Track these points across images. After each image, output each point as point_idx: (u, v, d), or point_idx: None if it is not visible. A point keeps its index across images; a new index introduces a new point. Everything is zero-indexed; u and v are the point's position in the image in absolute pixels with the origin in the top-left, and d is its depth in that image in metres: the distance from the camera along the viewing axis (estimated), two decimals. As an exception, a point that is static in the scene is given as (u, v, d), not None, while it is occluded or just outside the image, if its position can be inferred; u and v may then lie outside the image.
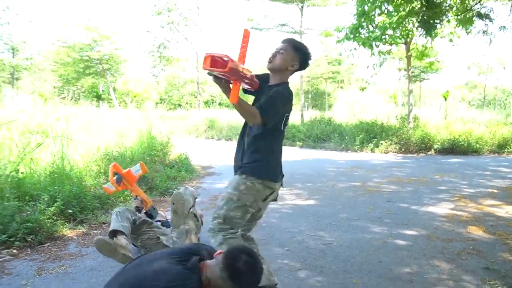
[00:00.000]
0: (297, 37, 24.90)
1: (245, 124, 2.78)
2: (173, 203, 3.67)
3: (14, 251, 3.77)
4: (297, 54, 2.72)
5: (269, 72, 2.81)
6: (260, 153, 2.66)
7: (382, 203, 5.94)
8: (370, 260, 3.65)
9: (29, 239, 3.93)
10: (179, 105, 42.31)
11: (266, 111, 2.49)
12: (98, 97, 28.33)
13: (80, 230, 4.41)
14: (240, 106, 2.40)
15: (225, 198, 2.67)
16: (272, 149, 2.73)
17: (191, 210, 3.72)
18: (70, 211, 4.57)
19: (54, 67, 37.71)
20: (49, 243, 4.04)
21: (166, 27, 32.53)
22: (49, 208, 4.27)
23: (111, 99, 32.77)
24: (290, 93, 2.69)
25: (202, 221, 4.10)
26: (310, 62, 2.84)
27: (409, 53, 15.06)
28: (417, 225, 4.79)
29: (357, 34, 13.23)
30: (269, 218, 5.14)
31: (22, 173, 4.87)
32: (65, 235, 4.27)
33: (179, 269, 1.93)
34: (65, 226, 4.40)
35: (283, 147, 2.89)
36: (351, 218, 5.09)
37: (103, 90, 35.52)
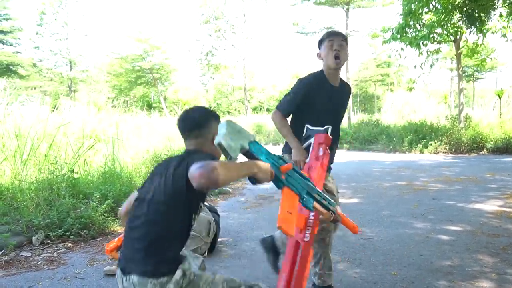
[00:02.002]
0: (343, 40, 24.74)
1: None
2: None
3: (70, 244, 4.04)
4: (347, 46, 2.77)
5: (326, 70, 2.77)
6: None
7: (427, 200, 5.85)
8: (410, 254, 3.64)
9: (82, 233, 4.20)
10: (228, 112, 42.91)
11: None
12: (149, 106, 29.29)
13: (130, 226, 4.64)
14: None
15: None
16: None
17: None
18: (120, 208, 4.82)
19: (108, 78, 39.32)
20: (100, 238, 4.29)
21: (213, 35, 33.27)
22: (101, 206, 4.52)
23: (162, 108, 33.75)
24: None
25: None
26: None
27: (459, 51, 14.65)
28: (462, 221, 4.69)
29: (404, 34, 13.03)
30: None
31: (76, 173, 5.19)
32: (115, 230, 4.52)
33: None
34: (115, 222, 4.65)
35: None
36: (393, 215, 5.05)
37: (154, 99, 36.65)
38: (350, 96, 2.82)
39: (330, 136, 2.63)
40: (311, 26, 26.31)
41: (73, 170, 5.07)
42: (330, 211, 1.92)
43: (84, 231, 4.22)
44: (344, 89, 2.87)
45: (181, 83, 42.46)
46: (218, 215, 4.27)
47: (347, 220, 2.04)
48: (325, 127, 2.76)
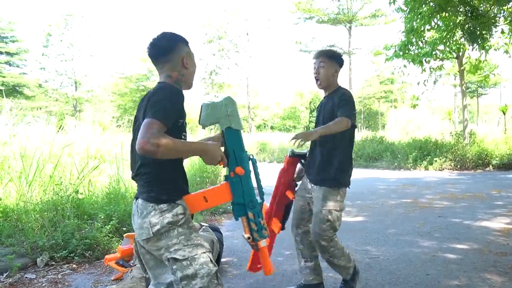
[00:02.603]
0: (346, 58, 24.92)
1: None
2: None
3: (74, 265, 4.03)
4: (333, 61, 2.94)
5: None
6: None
7: (433, 218, 5.81)
8: (417, 273, 3.60)
9: (87, 254, 4.18)
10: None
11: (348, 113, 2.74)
12: (154, 125, 29.35)
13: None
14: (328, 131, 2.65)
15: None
16: None
17: None
18: (124, 229, 4.81)
19: (112, 98, 39.62)
20: (105, 259, 4.28)
21: (217, 54, 33.60)
22: (106, 226, 4.51)
23: (167, 127, 33.84)
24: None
25: None
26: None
27: (462, 68, 14.69)
28: (469, 239, 4.66)
29: (407, 51, 13.09)
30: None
31: (81, 193, 5.19)
32: (120, 251, 4.50)
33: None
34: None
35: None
36: (399, 233, 5.02)
37: (159, 118, 36.82)
38: (342, 99, 2.82)
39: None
40: (314, 44, 26.59)
41: (78, 191, 5.08)
42: (251, 237, 1.96)
43: (89, 252, 4.21)
44: (332, 97, 2.94)
45: (185, 101, 42.66)
46: (221, 234, 4.26)
47: (264, 258, 2.09)
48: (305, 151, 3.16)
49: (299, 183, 3.23)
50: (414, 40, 12.48)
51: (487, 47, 11.56)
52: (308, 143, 2.95)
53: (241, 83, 36.77)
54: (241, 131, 1.99)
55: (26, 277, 3.69)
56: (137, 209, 1.89)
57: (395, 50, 13.36)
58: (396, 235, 4.97)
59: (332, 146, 2.88)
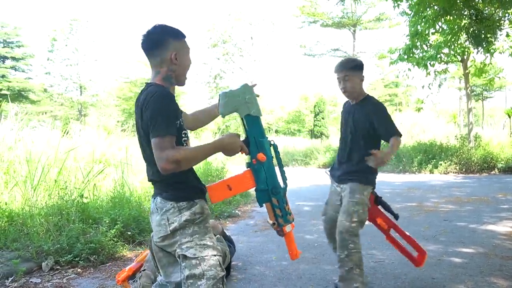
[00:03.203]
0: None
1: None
2: None
3: (79, 269, 4.04)
4: (356, 70, 3.03)
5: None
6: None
7: (438, 222, 5.79)
8: (422, 277, 3.59)
9: (92, 259, 4.19)
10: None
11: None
12: (159, 129, 29.39)
13: (139, 251, 4.63)
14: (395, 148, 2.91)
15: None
16: None
17: None
18: (129, 233, 4.83)
19: (117, 102, 39.74)
20: (110, 263, 4.29)
21: (221, 58, 33.70)
22: (110, 230, 4.52)
23: (171, 131, 33.89)
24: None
25: None
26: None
27: (467, 71, 14.66)
28: (475, 243, 4.63)
29: (411, 55, 13.07)
30: (321, 238, 5.15)
31: (86, 198, 5.21)
32: (124, 255, 4.52)
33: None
34: (125, 247, 4.65)
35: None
36: (404, 237, 4.99)
37: (163, 122, 36.88)
38: (382, 116, 2.99)
39: None
40: (318, 48, 26.62)
41: (82, 195, 5.09)
42: (276, 222, 1.97)
43: (94, 256, 4.22)
44: (363, 106, 3.04)
45: (190, 106, 42.70)
46: (234, 244, 4.27)
47: (290, 243, 2.07)
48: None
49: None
50: (418, 43, 12.47)
51: (492, 50, 11.53)
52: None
53: (246, 87, 36.76)
54: (261, 117, 2.00)
55: (31, 282, 3.71)
56: (156, 207, 1.93)
57: (400, 54, 13.36)
58: (401, 239, 4.93)
59: (363, 152, 2.96)
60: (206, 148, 1.87)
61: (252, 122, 1.95)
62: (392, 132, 2.92)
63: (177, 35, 2.01)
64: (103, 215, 4.86)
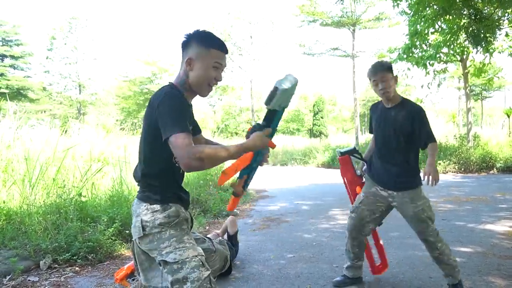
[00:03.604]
0: (349, 61, 24.91)
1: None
2: None
3: (77, 268, 4.04)
4: (390, 71, 3.06)
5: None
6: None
7: (437, 221, 5.69)
8: (420, 276, 3.59)
9: (90, 257, 4.19)
10: (236, 133, 43.03)
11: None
12: (158, 128, 29.41)
13: (137, 250, 4.63)
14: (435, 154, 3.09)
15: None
16: None
17: None
18: (127, 231, 4.82)
19: (116, 101, 39.75)
20: (108, 262, 4.29)
21: (220, 57, 33.54)
22: (108, 229, 4.52)
23: (171, 129, 33.89)
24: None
25: None
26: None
27: (466, 71, 14.67)
28: (473, 242, 4.64)
29: (410, 54, 13.06)
30: (320, 237, 5.18)
31: (84, 196, 5.20)
32: (122, 254, 4.52)
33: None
34: (122, 246, 4.65)
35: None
36: (403, 236, 5.00)
37: (162, 121, 36.87)
38: (424, 121, 3.04)
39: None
40: (317, 47, 26.49)
41: (81, 194, 5.09)
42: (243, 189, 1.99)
43: (92, 255, 4.22)
44: (402, 108, 3.07)
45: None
46: (237, 250, 4.27)
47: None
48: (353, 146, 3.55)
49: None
50: (418, 43, 12.47)
51: (491, 50, 11.53)
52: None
53: (245, 86, 36.77)
54: None
55: (29, 280, 3.70)
56: (133, 208, 1.99)
57: (399, 53, 13.36)
58: (400, 238, 4.95)
59: (406, 154, 3.09)
60: (233, 149, 1.77)
61: (280, 114, 1.96)
62: (432, 137, 3.05)
63: (204, 42, 1.93)
64: (101, 213, 4.85)
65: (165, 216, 1.86)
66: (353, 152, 3.42)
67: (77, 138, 9.74)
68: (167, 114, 1.73)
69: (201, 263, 1.85)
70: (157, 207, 1.88)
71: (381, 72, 3.01)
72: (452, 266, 3.10)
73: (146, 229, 1.86)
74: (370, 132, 3.40)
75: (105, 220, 4.63)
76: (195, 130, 2.14)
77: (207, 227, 5.86)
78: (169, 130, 1.68)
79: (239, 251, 4.48)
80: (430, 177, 2.94)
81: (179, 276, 1.79)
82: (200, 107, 43.55)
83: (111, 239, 4.50)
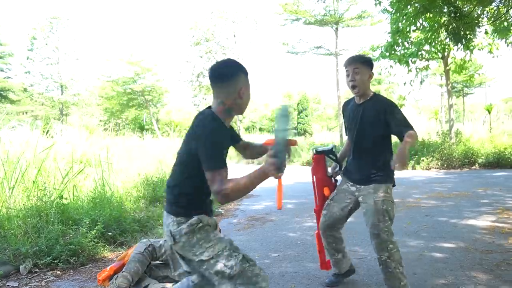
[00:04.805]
0: (333, 59, 24.99)
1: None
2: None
3: (58, 272, 3.97)
4: (366, 65, 2.99)
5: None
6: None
7: (420, 217, 5.83)
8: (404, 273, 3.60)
9: (71, 260, 4.12)
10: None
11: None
12: (142, 128, 29.24)
13: (120, 252, 4.57)
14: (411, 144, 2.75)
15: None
16: None
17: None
18: (110, 233, 4.76)
19: (99, 101, 39.37)
20: (90, 264, 4.22)
21: (204, 57, 33.47)
22: (91, 231, 4.45)
23: (155, 130, 33.71)
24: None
25: None
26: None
27: (447, 68, 14.82)
28: (455, 237, 4.67)
29: (393, 52, 13.13)
30: (304, 235, 5.17)
31: (65, 199, 5.13)
32: (105, 256, 4.45)
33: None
34: (105, 248, 4.58)
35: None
36: (387, 233, 5.02)
37: (146, 121, 36.62)
38: (396, 112, 2.92)
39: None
40: (300, 45, 26.52)
41: (62, 196, 5.01)
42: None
43: (74, 258, 4.14)
44: (373, 104, 2.99)
45: (173, 104, 42.60)
46: None
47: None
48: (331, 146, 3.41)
49: (339, 178, 3.38)
50: (400, 40, 12.53)
51: (471, 47, 11.65)
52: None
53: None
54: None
55: (8, 285, 3.62)
56: (163, 218, 2.17)
57: (382, 51, 13.42)
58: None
59: (378, 151, 3.03)
60: (253, 178, 1.92)
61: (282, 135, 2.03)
62: (409, 125, 2.84)
63: (246, 72, 2.15)
64: (83, 216, 4.78)
65: (188, 225, 2.06)
66: (329, 152, 3.36)
67: (59, 140, 9.61)
68: (209, 149, 1.94)
69: (231, 250, 2.06)
70: (181, 219, 2.07)
71: (355, 63, 2.94)
72: (399, 279, 2.87)
73: (175, 238, 2.08)
74: (347, 133, 3.32)
75: (87, 222, 4.56)
76: (235, 139, 2.42)
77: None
78: (208, 164, 1.92)
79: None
80: (397, 161, 2.59)
81: (218, 268, 2.02)
82: (184, 106, 43.30)
83: (94, 241, 4.43)
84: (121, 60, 33.56)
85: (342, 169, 3.34)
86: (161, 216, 5.90)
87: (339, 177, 3.39)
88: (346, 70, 2.99)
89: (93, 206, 5.23)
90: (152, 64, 34.31)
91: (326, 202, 3.27)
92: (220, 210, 7.15)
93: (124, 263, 3.33)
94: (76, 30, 61.39)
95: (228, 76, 2.09)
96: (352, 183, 3.14)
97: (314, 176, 3.38)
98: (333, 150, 3.38)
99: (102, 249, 4.51)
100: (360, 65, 2.94)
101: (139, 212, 5.77)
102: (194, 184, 2.09)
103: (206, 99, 39.93)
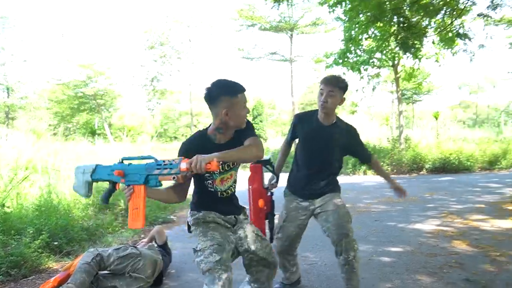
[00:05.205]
0: (287, 65, 25.30)
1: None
2: None
3: (-2, 285, 3.77)
4: (342, 91, 3.05)
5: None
6: None
7: (370, 222, 5.97)
8: (353, 278, 3.66)
9: (13, 272, 3.91)
10: (175, 137, 42.40)
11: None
12: (93, 133, 28.44)
13: (66, 262, 4.41)
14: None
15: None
16: None
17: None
18: (56, 243, 4.58)
19: (49, 105, 38.01)
20: (33, 276, 4.03)
21: (159, 61, 33.05)
22: (35, 241, 4.26)
23: (107, 134, 32.90)
24: None
25: None
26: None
27: (397, 75, 15.30)
28: (403, 242, 4.82)
29: (346, 59, 13.42)
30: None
31: (8, 207, 4.90)
32: (50, 267, 4.27)
33: None
34: (50, 258, 4.40)
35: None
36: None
37: (98, 126, 35.67)
38: (359, 140, 3.28)
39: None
40: (256, 51, 26.70)
41: (4, 204, 4.78)
42: (173, 175, 2.02)
43: (15, 270, 3.93)
44: (338, 127, 3.13)
45: (126, 108, 41.61)
46: (170, 255, 4.19)
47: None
48: (268, 156, 3.37)
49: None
50: (352, 48, 12.84)
51: (419, 56, 12.08)
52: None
53: (184, 89, 36.41)
54: None
55: None
56: None
57: (335, 58, 13.68)
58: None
59: (335, 167, 3.23)
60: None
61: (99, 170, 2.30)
62: (368, 153, 3.37)
63: (230, 92, 2.32)
64: (27, 225, 4.57)
65: (194, 219, 2.49)
66: (267, 163, 3.31)
67: (4, 144, 9.22)
68: None
69: (214, 250, 2.29)
70: (193, 212, 2.53)
71: (332, 86, 2.96)
72: (358, 280, 2.99)
73: (190, 228, 2.53)
74: (291, 140, 3.37)
75: (31, 231, 4.37)
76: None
77: (142, 235, 5.69)
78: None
79: (175, 259, 4.40)
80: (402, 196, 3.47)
81: (198, 259, 2.31)
82: (138, 111, 42.50)
83: (38, 251, 4.25)
84: (71, 62, 32.59)
85: (285, 190, 3.34)
86: (110, 224, 5.77)
87: (274, 190, 3.38)
88: (321, 89, 3.02)
89: (38, 214, 5.01)
90: (105, 68, 33.44)
91: (279, 224, 3.23)
92: (172, 217, 7.11)
93: (70, 274, 3.22)
94: (24, 30, 59.14)
95: (211, 99, 2.33)
96: (302, 199, 3.15)
97: (250, 187, 3.29)
98: (270, 160, 3.34)
99: (46, 259, 4.33)
100: (337, 90, 2.98)
101: (88, 220, 5.59)
102: (199, 188, 2.51)
103: (160, 103, 39.44)
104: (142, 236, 5.68)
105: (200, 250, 2.33)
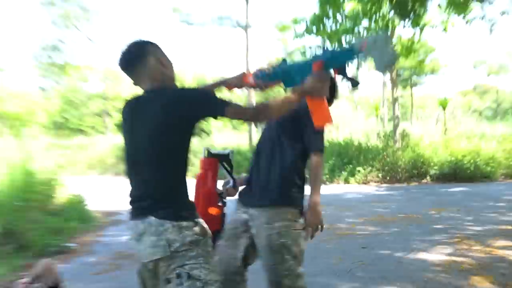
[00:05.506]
0: (242, 32, 25.17)
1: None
2: None
3: None
4: None
5: None
6: None
7: (355, 251, 5.91)
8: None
9: None
10: (80, 130, 41.59)
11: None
12: None
13: None
14: None
15: None
16: None
17: None
18: None
19: None
20: None
21: (59, 23, 32.22)
22: None
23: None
24: None
25: None
26: None
27: (392, 50, 15.46)
28: (401, 277, 4.77)
29: (321, 27, 13.44)
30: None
31: None
32: None
33: None
34: None
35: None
36: (310, 274, 4.94)
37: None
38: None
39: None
40: (198, 14, 26.51)
41: None
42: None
43: None
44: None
45: (7, 88, 40.43)
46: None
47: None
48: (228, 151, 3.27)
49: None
50: (331, 12, 12.87)
51: (421, 25, 12.23)
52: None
53: (95, 64, 35.68)
54: None
55: None
56: (149, 227, 2.18)
57: (307, 25, 13.69)
58: (306, 276, 4.92)
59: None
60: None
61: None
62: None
63: (152, 41, 2.44)
64: None
65: (193, 234, 2.17)
66: (225, 158, 3.17)
67: None
68: (204, 93, 2.48)
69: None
70: (184, 224, 2.17)
71: None
72: None
73: (172, 248, 2.12)
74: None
75: None
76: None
77: (22, 272, 5.40)
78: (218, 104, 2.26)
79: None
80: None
81: None
82: (26, 92, 41.29)
83: None
84: None
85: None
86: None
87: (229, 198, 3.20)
88: None
89: None
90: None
91: (220, 243, 3.04)
92: (71, 244, 6.83)
93: None
94: None
95: (137, 56, 2.37)
96: (244, 208, 3.03)
97: (199, 189, 3.02)
98: (230, 157, 3.18)
99: None
100: None
101: None
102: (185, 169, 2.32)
103: (60, 82, 38.50)
104: (22, 274, 5.40)
105: (202, 280, 2.17)
